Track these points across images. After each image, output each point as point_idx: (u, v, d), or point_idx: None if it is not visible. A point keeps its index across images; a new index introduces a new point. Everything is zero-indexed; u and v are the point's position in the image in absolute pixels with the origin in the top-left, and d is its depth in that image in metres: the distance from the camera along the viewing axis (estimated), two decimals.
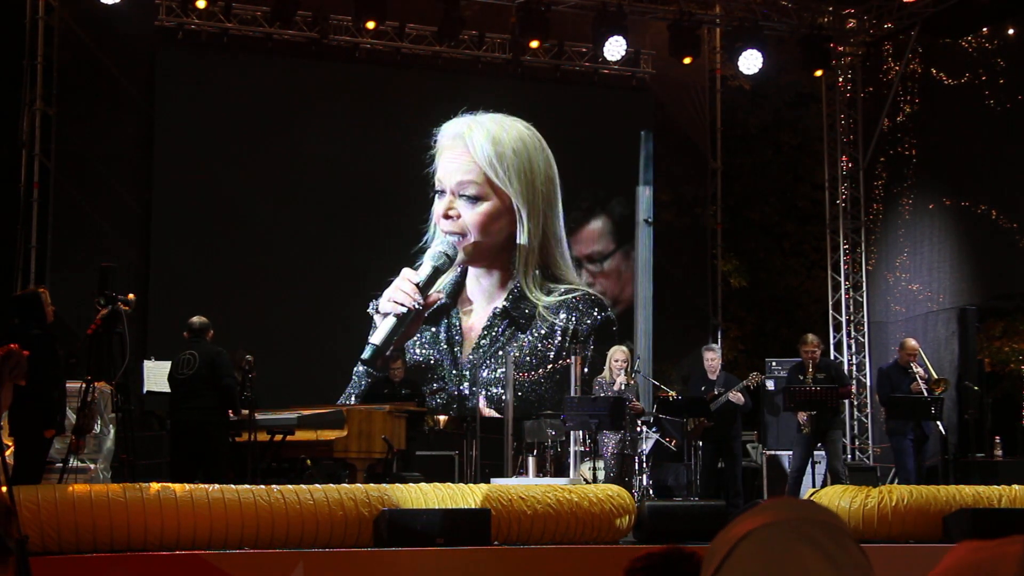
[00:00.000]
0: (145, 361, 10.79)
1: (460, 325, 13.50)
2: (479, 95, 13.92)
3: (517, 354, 13.11)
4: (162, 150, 12.86)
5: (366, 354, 12.85)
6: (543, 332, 13.65)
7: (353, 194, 13.49)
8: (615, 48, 13.05)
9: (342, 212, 13.43)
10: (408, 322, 13.08)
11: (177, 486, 6.69)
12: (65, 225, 12.27)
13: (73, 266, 11.82)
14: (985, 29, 13.39)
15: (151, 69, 12.91)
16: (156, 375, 9.92)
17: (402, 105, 13.75)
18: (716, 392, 10.83)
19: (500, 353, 13.28)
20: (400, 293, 13.01)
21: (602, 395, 10.51)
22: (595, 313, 13.89)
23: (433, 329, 13.38)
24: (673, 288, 14.60)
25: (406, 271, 13.10)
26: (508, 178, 13.59)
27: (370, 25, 12.88)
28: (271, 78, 13.35)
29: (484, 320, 13.56)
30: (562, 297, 13.78)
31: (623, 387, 10.67)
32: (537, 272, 13.74)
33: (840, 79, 14.90)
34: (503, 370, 12.77)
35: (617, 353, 10.94)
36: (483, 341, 13.49)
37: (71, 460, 7.69)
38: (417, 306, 13.02)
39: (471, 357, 13.41)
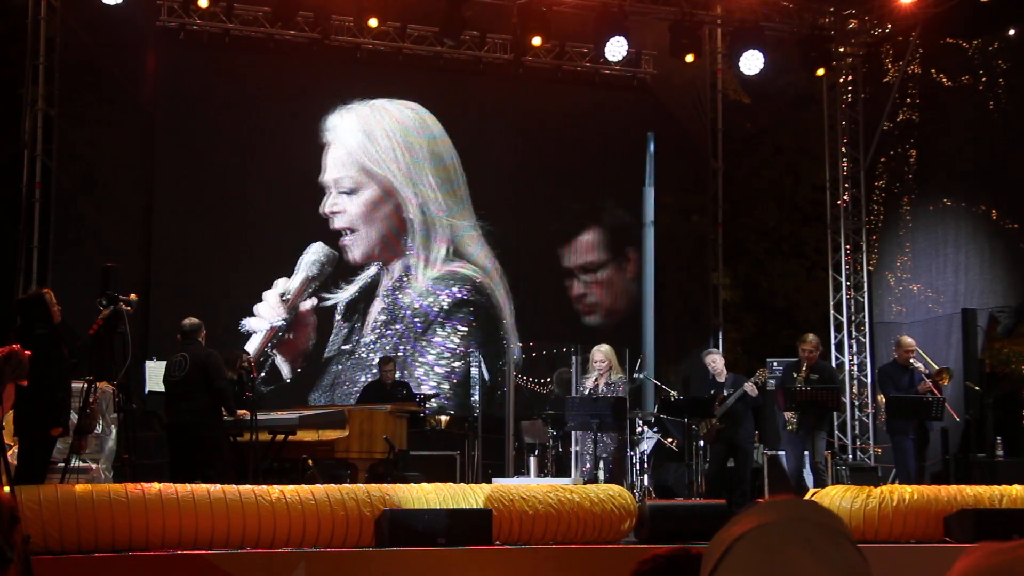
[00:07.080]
0: (147, 361, 10.82)
1: (364, 319, 13.28)
2: (480, 95, 13.92)
3: (393, 347, 12.89)
4: (163, 150, 12.87)
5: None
6: (409, 315, 13.36)
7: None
8: (616, 49, 13.03)
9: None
10: (282, 334, 12.79)
11: (179, 486, 6.70)
12: (66, 225, 12.28)
13: (74, 266, 11.82)
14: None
15: (152, 70, 12.91)
16: (157, 375, 9.94)
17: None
18: (726, 394, 10.73)
19: (379, 343, 13.13)
20: (264, 309, 12.77)
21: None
22: (454, 290, 13.56)
23: (348, 325, 13.17)
24: (673, 289, 14.60)
25: (277, 283, 12.83)
26: (383, 161, 13.39)
27: (372, 23, 12.87)
28: (272, 79, 13.35)
29: (377, 310, 13.32)
30: (437, 273, 13.49)
31: (596, 389, 10.41)
32: (444, 248, 13.50)
33: (841, 80, 14.90)
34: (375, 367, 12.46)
35: (596, 354, 10.63)
36: (373, 333, 13.25)
37: (73, 460, 7.69)
38: (282, 321, 12.76)
39: (361, 350, 13.18)
